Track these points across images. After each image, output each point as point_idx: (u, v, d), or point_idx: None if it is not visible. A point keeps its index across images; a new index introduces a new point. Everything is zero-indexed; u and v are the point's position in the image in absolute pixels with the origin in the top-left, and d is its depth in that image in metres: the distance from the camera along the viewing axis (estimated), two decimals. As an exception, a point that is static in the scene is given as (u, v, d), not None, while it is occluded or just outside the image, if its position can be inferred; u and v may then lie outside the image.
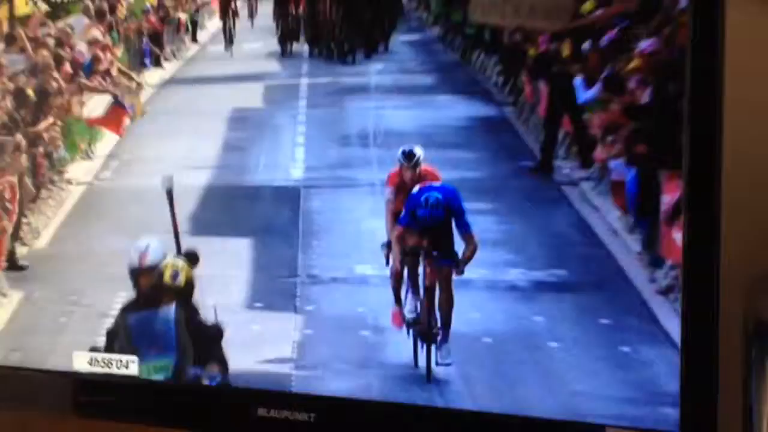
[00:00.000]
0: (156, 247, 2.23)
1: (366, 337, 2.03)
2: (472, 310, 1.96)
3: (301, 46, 2.34)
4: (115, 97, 2.30)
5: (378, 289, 2.05)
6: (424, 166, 2.08)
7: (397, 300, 2.13)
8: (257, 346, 2.10)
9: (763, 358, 1.44)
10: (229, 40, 2.36)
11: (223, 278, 2.15)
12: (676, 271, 1.79)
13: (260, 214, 2.19)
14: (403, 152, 2.09)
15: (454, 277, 2.03)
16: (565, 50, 1.84)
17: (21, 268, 2.29)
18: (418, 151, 2.07)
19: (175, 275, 2.18)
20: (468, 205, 1.98)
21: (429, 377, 2.03)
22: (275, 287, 2.14)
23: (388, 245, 2.12)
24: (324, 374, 2.05)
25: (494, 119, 2.19)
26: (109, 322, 2.21)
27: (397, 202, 2.12)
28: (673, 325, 1.78)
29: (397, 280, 2.13)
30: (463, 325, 1.96)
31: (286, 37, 2.30)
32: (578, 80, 1.88)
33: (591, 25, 1.77)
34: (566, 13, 1.75)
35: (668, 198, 1.77)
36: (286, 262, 2.14)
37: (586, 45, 1.85)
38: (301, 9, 2.31)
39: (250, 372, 2.10)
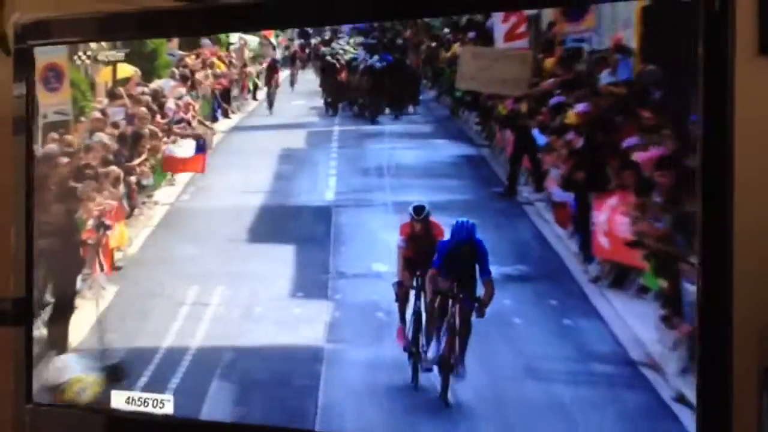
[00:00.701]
0: (73, 363, 2.22)
1: (381, 318, 2.22)
2: (459, 297, 2.14)
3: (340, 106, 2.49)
4: (198, 142, 2.43)
5: (389, 282, 2.21)
6: (432, 220, 2.15)
7: (402, 318, 2.17)
8: (298, 325, 2.25)
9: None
10: (269, 105, 2.60)
11: (272, 275, 2.30)
12: (601, 265, 2.04)
13: (302, 227, 2.34)
14: (414, 207, 2.14)
15: (474, 318, 2.07)
16: (523, 108, 2.11)
17: (117, 269, 2.47)
18: (426, 207, 2.12)
19: (81, 390, 2.14)
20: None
21: (446, 402, 2.07)
22: (312, 281, 2.29)
23: (398, 284, 2.17)
24: (348, 347, 2.18)
25: (475, 157, 2.39)
26: (184, 311, 2.35)
27: (408, 249, 2.19)
28: (600, 303, 2.04)
29: (402, 301, 2.17)
30: (454, 308, 2.15)
31: (332, 100, 2.47)
32: (536, 130, 2.13)
33: (542, 91, 2.06)
34: (525, 84, 2.04)
35: (596, 213, 2.02)
36: (321, 263, 2.30)
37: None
38: (343, 77, 2.49)
39: (291, 346, 2.23)
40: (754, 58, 1.61)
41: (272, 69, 2.58)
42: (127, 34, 2.37)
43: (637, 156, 1.90)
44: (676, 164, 1.82)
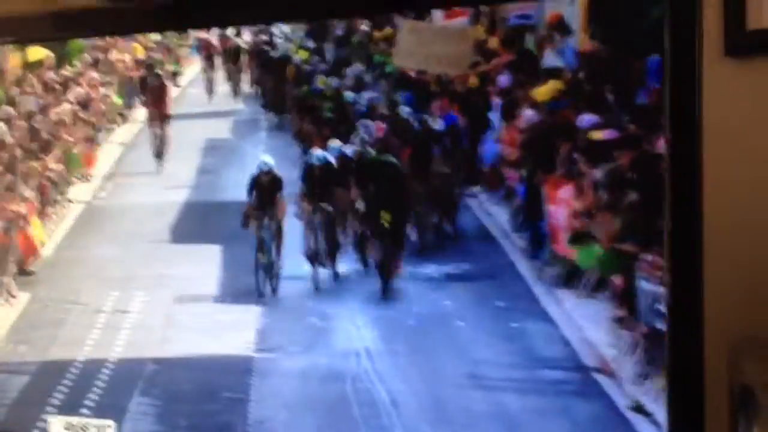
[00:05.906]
0: None
1: (314, 323, 2.23)
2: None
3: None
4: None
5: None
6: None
7: None
8: (225, 333, 2.25)
9: (751, 423, 1.31)
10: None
11: (197, 277, 2.33)
12: (554, 262, 2.05)
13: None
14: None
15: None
16: (473, 80, 2.12)
17: (29, 273, 2.45)
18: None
19: None
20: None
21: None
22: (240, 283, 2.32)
23: None
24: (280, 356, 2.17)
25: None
26: (102, 318, 2.33)
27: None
28: (549, 304, 2.04)
29: None
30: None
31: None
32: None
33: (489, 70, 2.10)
34: (465, 62, 1.98)
35: (552, 208, 2.01)
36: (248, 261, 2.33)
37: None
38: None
39: (218, 356, 2.20)
40: (720, 59, 1.57)
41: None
42: (66, 34, 2.22)
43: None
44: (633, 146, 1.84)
